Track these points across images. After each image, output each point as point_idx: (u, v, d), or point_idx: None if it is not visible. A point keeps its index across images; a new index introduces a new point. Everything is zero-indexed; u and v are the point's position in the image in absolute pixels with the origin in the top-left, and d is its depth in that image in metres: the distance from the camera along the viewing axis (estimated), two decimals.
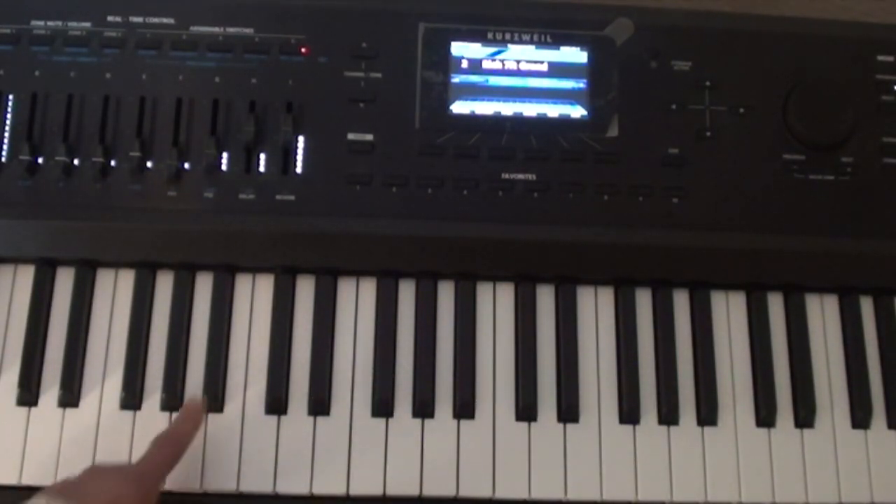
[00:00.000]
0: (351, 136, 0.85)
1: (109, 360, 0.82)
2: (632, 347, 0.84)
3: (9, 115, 0.83)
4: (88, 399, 0.80)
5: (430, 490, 0.80)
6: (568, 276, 0.86)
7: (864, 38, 0.90)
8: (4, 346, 0.81)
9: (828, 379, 0.86)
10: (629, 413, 0.83)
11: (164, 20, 0.86)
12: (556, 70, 0.87)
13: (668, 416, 0.83)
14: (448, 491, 0.80)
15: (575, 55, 0.87)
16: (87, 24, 0.85)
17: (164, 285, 0.84)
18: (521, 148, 0.85)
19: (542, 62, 0.87)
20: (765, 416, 0.83)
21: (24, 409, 0.80)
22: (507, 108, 0.86)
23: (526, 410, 0.82)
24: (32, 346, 0.81)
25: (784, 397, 0.84)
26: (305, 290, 0.84)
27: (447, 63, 0.86)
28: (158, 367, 0.81)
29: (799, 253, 0.85)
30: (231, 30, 0.86)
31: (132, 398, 0.80)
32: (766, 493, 0.82)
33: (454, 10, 0.88)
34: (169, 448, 0.75)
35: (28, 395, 0.80)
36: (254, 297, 0.84)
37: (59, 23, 0.85)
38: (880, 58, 0.89)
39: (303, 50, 0.86)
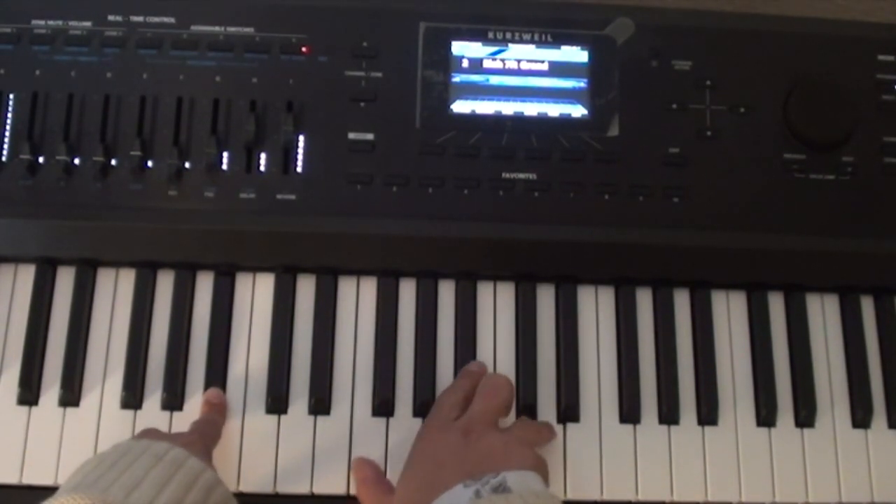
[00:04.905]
0: (351, 136, 0.85)
1: (110, 359, 0.82)
2: (632, 347, 0.84)
3: (9, 115, 0.83)
4: (89, 398, 0.80)
5: None
6: (568, 275, 0.86)
7: (864, 37, 0.90)
8: (5, 345, 0.81)
9: (828, 378, 0.86)
10: (629, 412, 0.83)
11: (165, 19, 0.86)
12: (557, 69, 0.87)
13: (669, 415, 0.83)
14: None
15: (576, 54, 0.87)
16: (88, 24, 0.85)
17: (165, 285, 0.84)
18: (522, 147, 0.85)
19: (542, 61, 0.87)
20: (765, 416, 0.84)
21: (24, 409, 0.80)
22: (508, 108, 0.86)
23: (526, 410, 0.82)
24: (33, 346, 0.81)
25: (784, 397, 0.84)
26: (306, 289, 0.84)
27: (448, 62, 0.86)
28: (159, 366, 0.81)
29: (799, 252, 0.85)
30: (231, 29, 0.86)
31: (133, 397, 0.80)
32: (766, 493, 0.82)
33: (455, 9, 0.87)
34: (207, 427, 0.77)
35: (29, 394, 0.80)
36: (254, 296, 0.84)
37: (60, 22, 0.85)
38: (881, 57, 0.89)
39: (303, 49, 0.86)
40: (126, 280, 0.84)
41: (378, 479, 0.77)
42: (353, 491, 0.79)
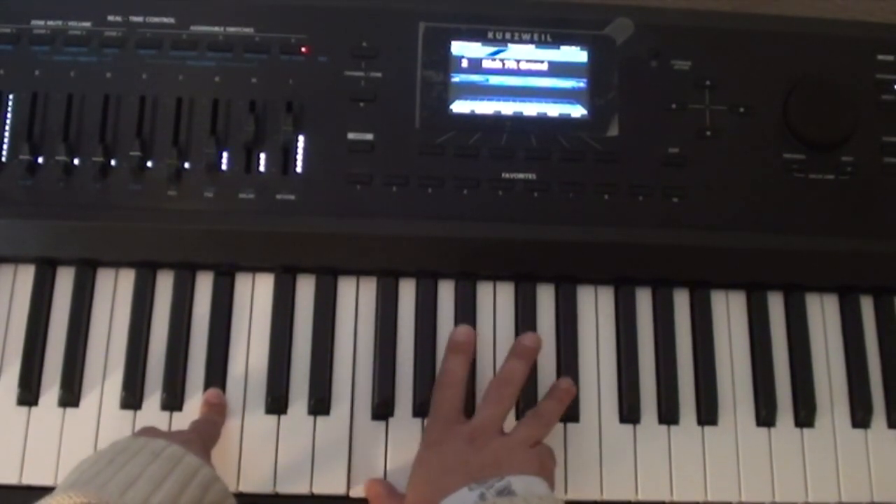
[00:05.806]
0: (351, 136, 0.85)
1: (110, 359, 0.82)
2: (632, 347, 0.84)
3: (9, 115, 0.83)
4: (89, 398, 0.81)
5: None
6: (568, 275, 0.86)
7: (864, 37, 0.90)
8: (5, 345, 0.81)
9: (828, 378, 0.86)
10: (629, 412, 0.83)
11: (165, 20, 0.86)
12: (557, 69, 0.87)
13: (669, 415, 0.83)
14: None
15: (575, 54, 0.87)
16: (88, 24, 0.85)
17: (165, 285, 0.84)
18: (522, 147, 0.85)
19: (542, 61, 0.87)
20: (765, 416, 0.84)
21: (24, 409, 0.80)
22: (508, 108, 0.86)
23: (527, 410, 0.82)
24: (33, 346, 0.81)
25: (784, 396, 0.84)
26: (305, 289, 0.84)
27: (447, 62, 0.86)
28: (158, 366, 0.81)
29: (799, 252, 0.85)
30: (231, 29, 0.86)
31: (132, 397, 0.80)
32: (766, 493, 0.82)
33: (454, 9, 0.87)
34: (206, 427, 0.77)
35: (28, 394, 0.80)
36: (254, 296, 0.84)
37: (60, 22, 0.85)
38: (880, 57, 0.89)
39: (303, 49, 0.86)
40: (126, 280, 0.84)
41: (390, 493, 0.77)
42: (353, 492, 0.79)
